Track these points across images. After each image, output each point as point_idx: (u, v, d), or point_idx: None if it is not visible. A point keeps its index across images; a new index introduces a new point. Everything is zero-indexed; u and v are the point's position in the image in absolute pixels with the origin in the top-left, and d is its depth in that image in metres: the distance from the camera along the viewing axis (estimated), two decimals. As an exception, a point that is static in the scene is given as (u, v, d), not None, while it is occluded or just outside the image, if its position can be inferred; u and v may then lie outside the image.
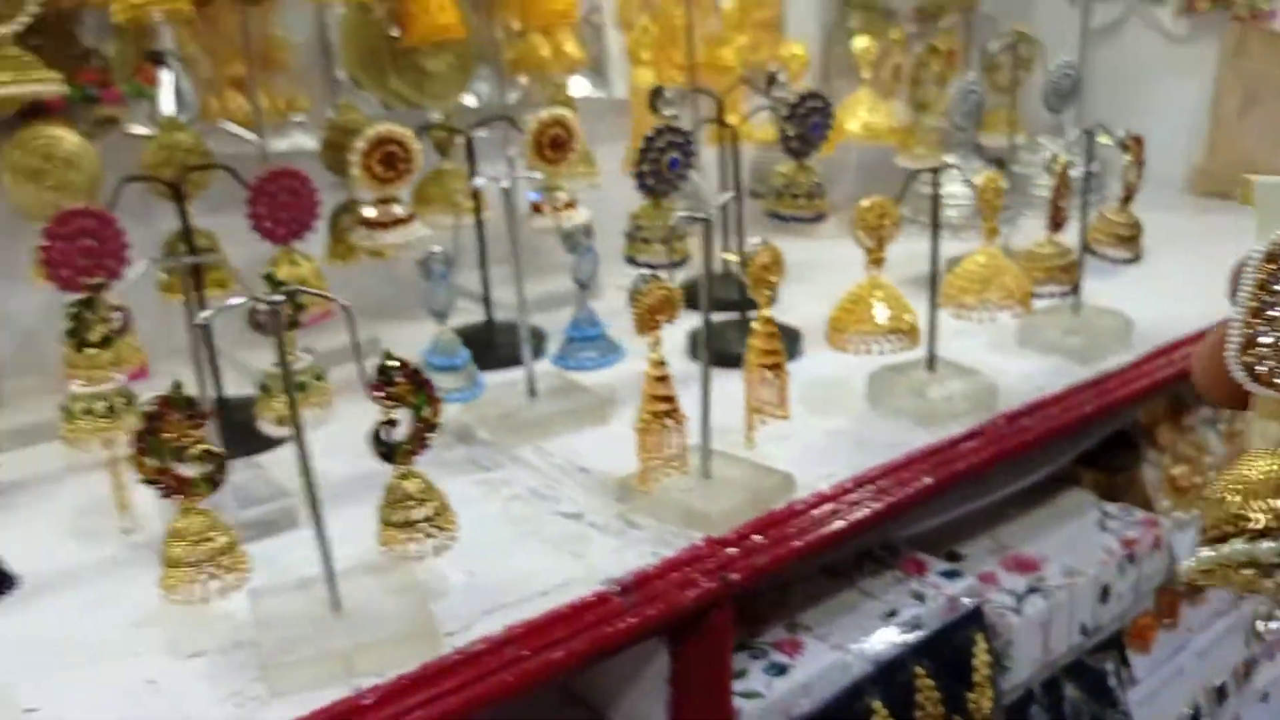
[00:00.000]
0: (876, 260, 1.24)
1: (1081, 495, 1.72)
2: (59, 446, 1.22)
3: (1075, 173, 1.49)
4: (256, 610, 0.97)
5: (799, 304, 1.64)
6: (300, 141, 1.56)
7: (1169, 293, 1.76)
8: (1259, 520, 0.43)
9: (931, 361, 1.35)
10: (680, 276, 1.41)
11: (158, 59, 1.37)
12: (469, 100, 1.71)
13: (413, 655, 0.92)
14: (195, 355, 1.22)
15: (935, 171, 1.27)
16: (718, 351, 1.16)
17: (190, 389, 0.90)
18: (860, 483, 1.19)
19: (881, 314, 1.23)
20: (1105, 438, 1.69)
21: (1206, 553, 0.45)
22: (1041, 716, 1.53)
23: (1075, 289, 1.53)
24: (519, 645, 0.95)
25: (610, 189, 1.74)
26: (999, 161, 1.87)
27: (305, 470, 0.92)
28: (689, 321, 1.29)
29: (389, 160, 1.38)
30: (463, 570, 1.04)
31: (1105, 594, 1.56)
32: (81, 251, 1.14)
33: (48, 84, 1.25)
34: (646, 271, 1.02)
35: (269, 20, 1.50)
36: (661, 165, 1.34)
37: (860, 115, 1.96)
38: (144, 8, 1.30)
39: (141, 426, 0.84)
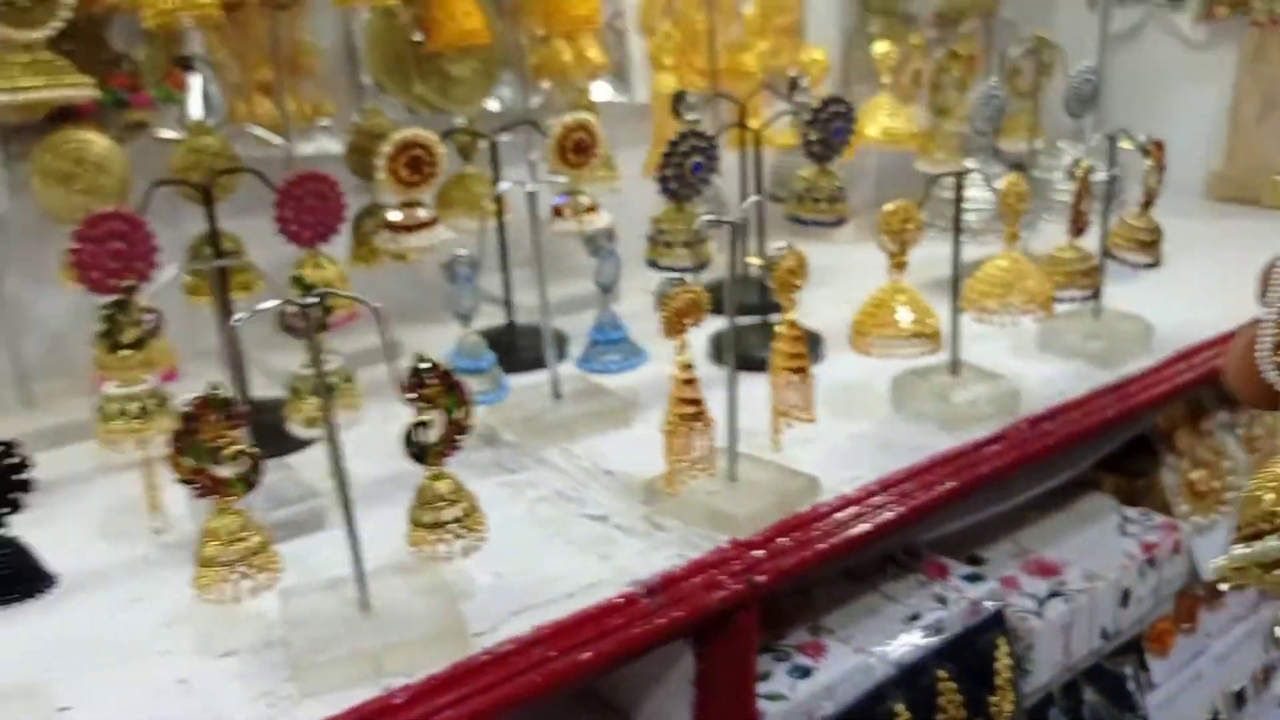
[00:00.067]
0: (899, 264, 1.25)
1: (1101, 499, 1.72)
2: (89, 447, 1.24)
3: (1097, 178, 1.49)
4: (287, 610, 0.97)
5: (819, 308, 1.63)
6: (325, 146, 1.57)
7: (1189, 297, 1.76)
8: None
9: (955, 366, 1.35)
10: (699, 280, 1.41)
11: (187, 64, 1.39)
12: (492, 105, 1.72)
13: (442, 655, 0.92)
14: (228, 357, 1.23)
15: (958, 176, 1.27)
16: (739, 355, 1.16)
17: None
18: (885, 486, 1.19)
19: (905, 318, 1.24)
20: (1124, 442, 1.69)
21: (1240, 550, 0.45)
22: (1061, 720, 1.53)
23: (1096, 294, 1.53)
24: (546, 646, 0.96)
25: (630, 193, 1.75)
26: (1018, 166, 1.88)
27: (338, 471, 0.93)
28: (710, 325, 1.29)
29: (414, 164, 1.39)
30: (490, 571, 1.05)
31: (1126, 598, 1.56)
32: (111, 254, 1.15)
33: (80, 88, 1.26)
34: (674, 275, 1.02)
35: (297, 26, 1.51)
36: (685, 169, 1.35)
37: (880, 120, 1.97)
38: (174, 13, 1.31)
39: (179, 427, 0.85)
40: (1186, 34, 2.48)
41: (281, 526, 1.11)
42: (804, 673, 1.22)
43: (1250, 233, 2.13)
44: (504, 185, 1.42)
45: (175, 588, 1.05)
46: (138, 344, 1.05)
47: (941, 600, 1.34)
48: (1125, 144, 1.55)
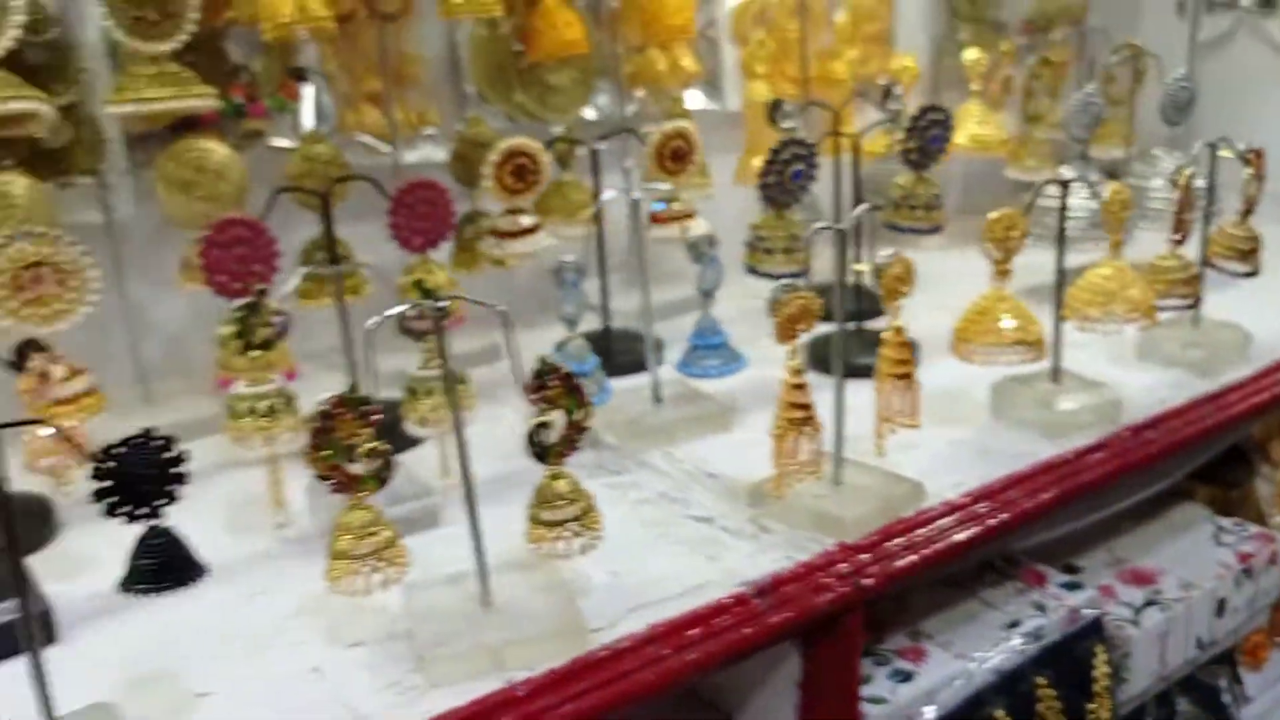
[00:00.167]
0: (1003, 272, 1.26)
1: (1194, 509, 1.71)
2: (208, 444, 1.29)
3: (1198, 185, 1.48)
4: (411, 603, 1.01)
5: (911, 314, 1.64)
6: (430, 154, 1.61)
7: (1287, 307, 1.74)
8: None
9: (1056, 373, 1.35)
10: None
11: (300, 75, 1.43)
12: (588, 113, 1.75)
13: (562, 651, 0.95)
14: (363, 358, 1.25)
15: (1064, 184, 1.27)
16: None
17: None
18: (989, 492, 1.20)
19: (1008, 325, 1.25)
20: (1219, 452, 1.68)
21: None
22: (1156, 730, 1.53)
23: (1197, 302, 1.52)
24: (661, 644, 0.98)
25: (722, 200, 1.77)
26: (1111, 174, 1.87)
27: (465, 471, 0.96)
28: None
29: (519, 172, 1.42)
30: (604, 570, 1.08)
31: (1221, 608, 1.55)
32: (236, 259, 1.20)
33: (203, 99, 1.31)
34: (786, 281, 1.04)
35: (403, 37, 1.55)
36: (785, 176, 1.37)
37: (969, 127, 1.97)
38: (291, 25, 1.35)
39: (317, 425, 0.88)
40: (1278, 40, 2.44)
41: (397, 523, 1.14)
42: (905, 677, 1.23)
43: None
44: (609, 193, 1.44)
45: (299, 581, 1.09)
46: (267, 345, 1.08)
47: (1040, 607, 1.35)
48: (1225, 152, 1.54)
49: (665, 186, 1.44)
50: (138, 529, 0.81)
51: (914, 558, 1.11)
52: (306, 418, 1.15)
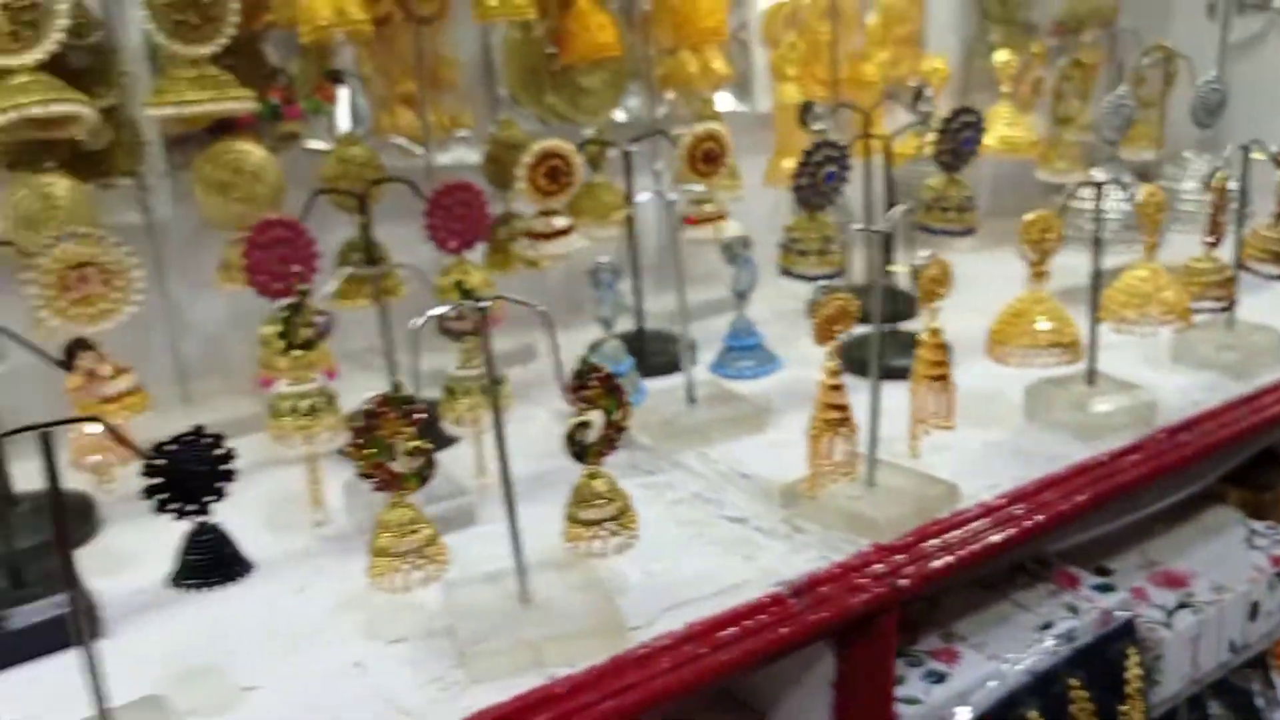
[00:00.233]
0: (1039, 274, 1.26)
1: (1226, 512, 1.71)
2: (246, 443, 1.28)
3: (1232, 187, 1.48)
4: (450, 601, 1.02)
5: (942, 316, 1.65)
6: (463, 156, 1.62)
7: (1321, 309, 1.73)
8: None
9: (1092, 376, 1.35)
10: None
11: (337, 77, 1.44)
12: (619, 115, 1.76)
13: (602, 648, 0.96)
14: (393, 356, 1.27)
15: (1099, 186, 1.27)
16: (863, 362, 1.18)
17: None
18: (1024, 494, 1.20)
19: (1044, 327, 1.25)
20: (1252, 455, 1.67)
21: None
22: (1189, 733, 1.52)
23: (1231, 304, 1.52)
24: (699, 642, 0.99)
25: (751, 201, 1.78)
26: (1142, 176, 1.86)
27: (505, 470, 0.97)
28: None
29: (553, 174, 1.43)
30: (640, 569, 1.08)
31: (1255, 611, 1.55)
32: (277, 259, 1.21)
33: (242, 101, 1.32)
34: (825, 283, 1.05)
35: (438, 40, 1.56)
36: (818, 178, 1.37)
37: (999, 129, 1.96)
38: (329, 28, 1.37)
39: (362, 423, 0.89)
40: (1310, 43, 2.43)
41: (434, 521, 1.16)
42: (938, 678, 1.23)
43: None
44: (643, 195, 1.45)
45: (338, 578, 1.11)
46: (308, 345, 1.10)
47: (1073, 609, 1.34)
48: (1257, 154, 1.54)
49: (699, 188, 1.44)
50: (181, 526, 0.82)
51: (949, 559, 1.11)
52: (347, 417, 1.17)
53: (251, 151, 1.39)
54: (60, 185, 1.27)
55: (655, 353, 1.56)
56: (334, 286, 1.14)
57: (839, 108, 1.74)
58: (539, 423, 1.43)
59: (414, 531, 0.95)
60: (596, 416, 0.97)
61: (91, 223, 1.22)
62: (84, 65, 1.31)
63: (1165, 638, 1.42)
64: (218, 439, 0.80)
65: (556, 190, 1.44)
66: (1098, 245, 1.30)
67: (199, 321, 1.52)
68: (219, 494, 0.81)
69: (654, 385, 1.45)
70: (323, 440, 1.13)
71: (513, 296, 1.00)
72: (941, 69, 1.97)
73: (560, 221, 1.47)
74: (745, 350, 1.40)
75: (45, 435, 0.77)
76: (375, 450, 0.91)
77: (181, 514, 0.80)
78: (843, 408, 1.10)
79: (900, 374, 1.22)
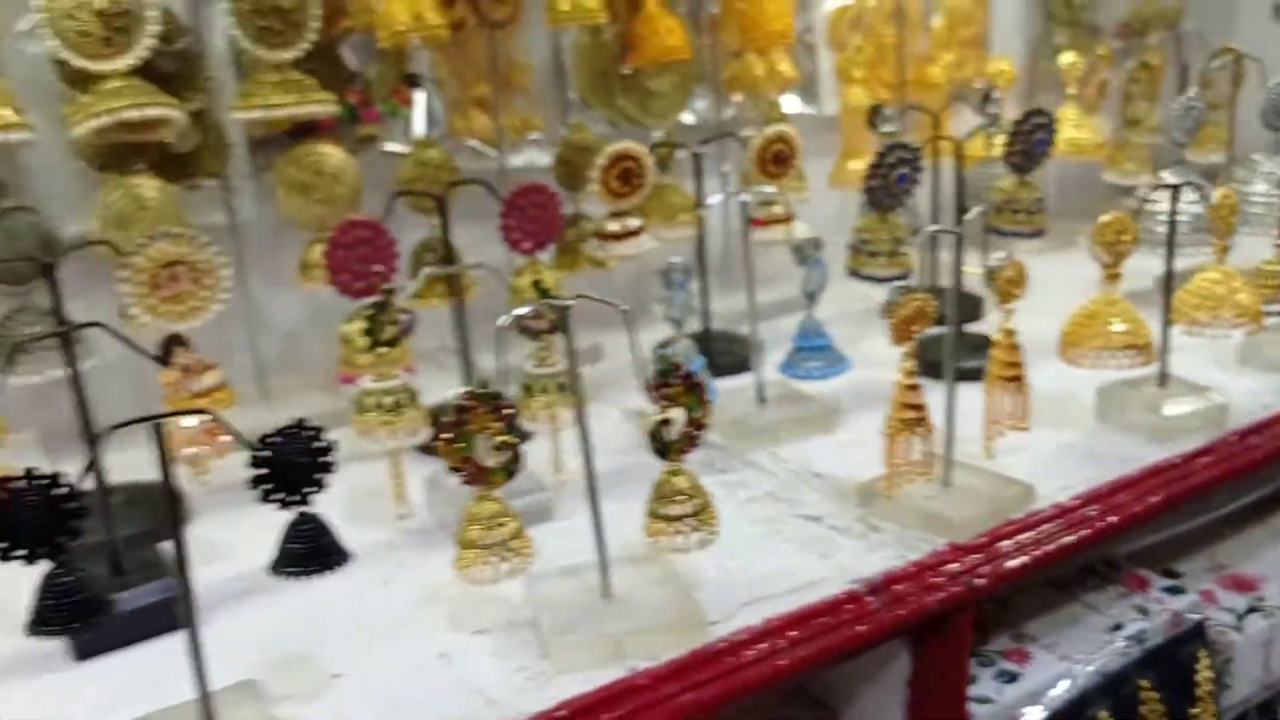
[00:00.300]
0: (1113, 276, 1.26)
1: (1297, 517, 1.69)
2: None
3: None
4: (533, 593, 1.04)
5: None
6: (534, 158, 1.65)
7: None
8: None
9: (1164, 378, 1.35)
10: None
11: (414, 81, 1.47)
12: (686, 118, 1.78)
13: (682, 642, 0.97)
14: (469, 354, 1.29)
15: (1174, 189, 1.27)
16: (934, 363, 1.19)
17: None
18: (1097, 496, 1.20)
19: (1119, 329, 1.25)
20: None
21: None
22: (1260, 739, 1.51)
23: (1303, 307, 1.51)
24: (777, 637, 1.00)
25: (817, 203, 1.79)
26: (1211, 178, 1.85)
27: (589, 465, 0.99)
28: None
29: (625, 176, 1.45)
30: (717, 565, 1.10)
31: (1327, 618, 1.53)
32: (359, 259, 1.24)
33: (324, 104, 1.36)
34: (902, 284, 1.06)
35: (511, 44, 1.59)
36: (890, 180, 1.38)
37: (1065, 131, 1.95)
38: (407, 33, 1.39)
39: (451, 418, 0.91)
40: (1379, 42, 2.39)
41: (514, 516, 1.18)
42: (1010, 678, 1.24)
43: None
44: (715, 197, 1.46)
45: (421, 571, 1.13)
46: (393, 342, 1.12)
47: (1143, 611, 1.34)
48: (1331, 157, 1.53)
49: (770, 189, 1.46)
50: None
51: (1025, 559, 1.12)
52: (430, 412, 1.19)
53: (332, 154, 1.42)
54: (149, 186, 1.31)
55: (721, 353, 1.58)
56: (417, 285, 1.17)
57: (907, 110, 1.74)
58: (610, 421, 1.45)
59: (501, 525, 0.97)
60: (678, 414, 0.99)
61: (179, 223, 1.25)
62: (172, 70, 1.35)
63: (1236, 641, 1.42)
64: (318, 431, 0.83)
65: (629, 192, 1.46)
66: (1171, 248, 1.30)
67: (278, 319, 1.56)
68: (319, 485, 0.83)
69: (723, 385, 1.47)
70: (405, 435, 1.16)
71: (594, 295, 1.02)
72: (1007, 71, 1.97)
73: (632, 222, 1.49)
74: (815, 351, 1.41)
75: (156, 427, 0.80)
76: (464, 444, 0.93)
77: (284, 504, 0.83)
78: (919, 408, 1.11)
79: (970, 375, 1.23)
